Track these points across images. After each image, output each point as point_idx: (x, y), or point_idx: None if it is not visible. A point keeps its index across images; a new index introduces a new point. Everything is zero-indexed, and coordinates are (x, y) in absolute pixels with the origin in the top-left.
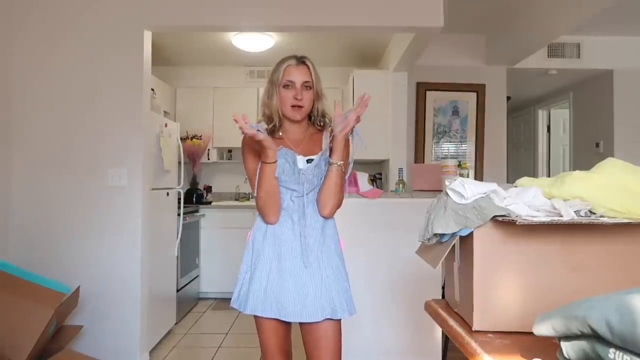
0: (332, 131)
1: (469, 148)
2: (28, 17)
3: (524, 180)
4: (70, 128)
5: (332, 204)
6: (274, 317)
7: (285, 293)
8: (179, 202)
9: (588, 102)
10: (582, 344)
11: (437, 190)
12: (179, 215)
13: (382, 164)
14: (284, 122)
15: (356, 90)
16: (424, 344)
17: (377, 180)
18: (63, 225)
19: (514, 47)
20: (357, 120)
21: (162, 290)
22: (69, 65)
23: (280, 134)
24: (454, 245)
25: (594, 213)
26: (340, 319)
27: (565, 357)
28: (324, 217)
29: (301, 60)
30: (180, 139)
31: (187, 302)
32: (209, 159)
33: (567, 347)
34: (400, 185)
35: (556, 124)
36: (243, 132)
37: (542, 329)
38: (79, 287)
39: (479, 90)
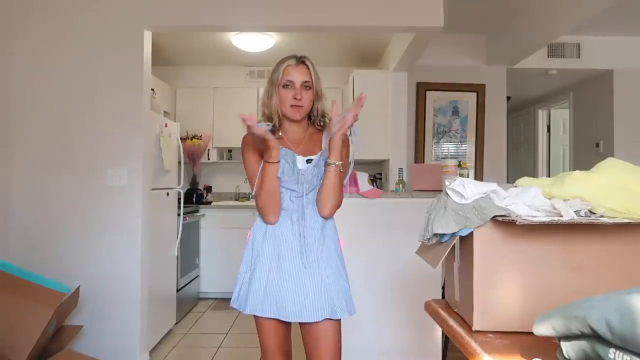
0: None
1: (469, 148)
2: (28, 17)
3: (524, 180)
4: (71, 128)
5: (332, 205)
6: (274, 317)
7: (285, 293)
8: (179, 202)
9: (588, 102)
10: (582, 344)
11: (437, 190)
12: (179, 215)
13: (382, 164)
14: (284, 122)
15: (356, 90)
16: (424, 344)
17: (377, 180)
18: (63, 225)
19: (514, 47)
20: (355, 119)
21: (162, 290)
22: (69, 65)
23: (280, 134)
24: (454, 245)
25: (594, 213)
26: (340, 319)
27: (565, 357)
28: (323, 217)
29: (301, 60)
30: (180, 139)
31: (187, 302)
32: (209, 159)
33: (567, 347)
34: (400, 185)
35: (556, 124)
36: (251, 131)
37: (542, 329)
38: (79, 287)
39: (479, 90)
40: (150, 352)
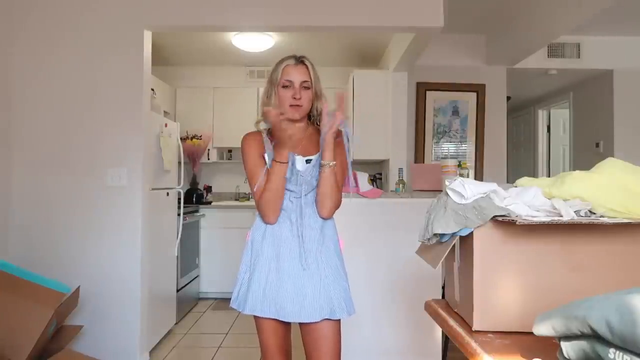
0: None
1: (469, 148)
2: (28, 17)
3: (524, 180)
4: (70, 128)
5: (330, 205)
6: (273, 317)
7: (284, 293)
8: (179, 202)
9: (588, 102)
10: (582, 344)
11: (437, 190)
12: (179, 215)
13: (382, 164)
14: (283, 122)
15: (356, 90)
16: (424, 344)
17: (377, 180)
18: (63, 225)
19: (514, 47)
20: (342, 116)
21: (162, 290)
22: (68, 65)
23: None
24: (454, 245)
25: (594, 213)
26: (340, 319)
27: (565, 357)
28: (323, 218)
29: (300, 60)
30: (180, 139)
31: (187, 302)
32: (209, 159)
33: (567, 347)
34: (400, 185)
35: (556, 124)
36: (282, 119)
37: (542, 329)
38: (79, 287)
39: (479, 90)
40: (150, 352)
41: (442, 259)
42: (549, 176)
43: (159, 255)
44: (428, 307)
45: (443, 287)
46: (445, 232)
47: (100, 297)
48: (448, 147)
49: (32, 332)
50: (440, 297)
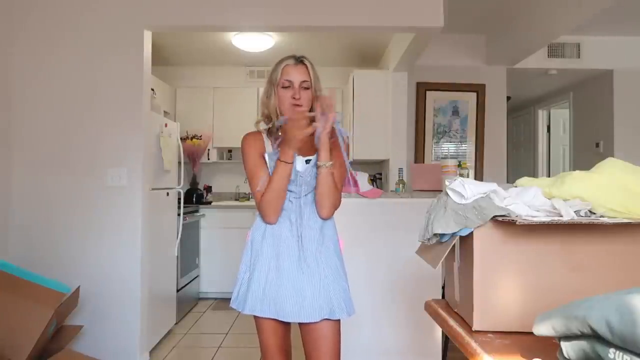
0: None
1: (469, 148)
2: (28, 17)
3: (524, 180)
4: (70, 128)
5: (328, 205)
6: (273, 317)
7: (284, 293)
8: (179, 202)
9: (588, 102)
10: (582, 344)
11: (437, 190)
12: (179, 215)
13: (382, 164)
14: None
15: (356, 90)
16: (424, 344)
17: (377, 180)
18: (63, 225)
19: (514, 47)
20: (334, 115)
21: (162, 290)
22: (68, 65)
23: (280, 134)
24: (454, 245)
25: (594, 213)
26: (339, 320)
27: (565, 357)
28: (322, 218)
29: (299, 60)
30: (180, 139)
31: (187, 302)
32: (209, 159)
33: (567, 347)
34: (400, 185)
35: (556, 124)
36: (301, 119)
37: (542, 329)
38: (79, 287)
39: (479, 90)
40: (150, 352)
41: (442, 259)
42: (549, 176)
43: (159, 255)
44: (428, 307)
45: (443, 287)
46: (445, 232)
47: (100, 297)
48: (448, 147)
49: (32, 332)
50: (440, 297)
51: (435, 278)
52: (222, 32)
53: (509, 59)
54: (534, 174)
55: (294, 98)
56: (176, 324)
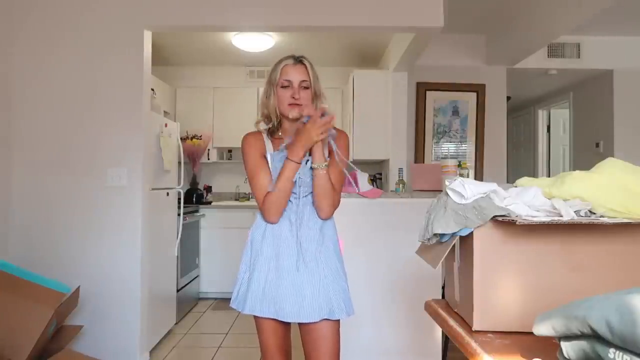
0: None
1: (469, 148)
2: (28, 17)
3: (524, 180)
4: (70, 128)
5: (327, 207)
6: (272, 317)
7: (283, 293)
8: (179, 202)
9: (588, 102)
10: (582, 344)
11: (437, 190)
12: (179, 215)
13: (382, 164)
14: (283, 122)
15: (356, 90)
16: (424, 344)
17: (377, 180)
18: (63, 226)
19: (514, 47)
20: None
21: (162, 290)
22: (68, 65)
23: (280, 134)
24: (454, 245)
25: (594, 213)
26: (339, 320)
27: (565, 357)
28: (321, 218)
29: (299, 60)
30: (180, 139)
31: (187, 302)
32: (209, 159)
33: (567, 347)
34: (400, 185)
35: (556, 124)
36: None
37: (542, 329)
38: (79, 287)
39: (479, 90)
40: (150, 352)
41: (442, 259)
42: (549, 176)
43: (159, 255)
44: (428, 307)
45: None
46: (445, 232)
47: (100, 297)
48: (448, 147)
49: (32, 332)
50: (440, 297)
51: (435, 278)
52: (222, 32)
53: (509, 59)
54: (534, 174)
55: (293, 98)
56: (176, 324)
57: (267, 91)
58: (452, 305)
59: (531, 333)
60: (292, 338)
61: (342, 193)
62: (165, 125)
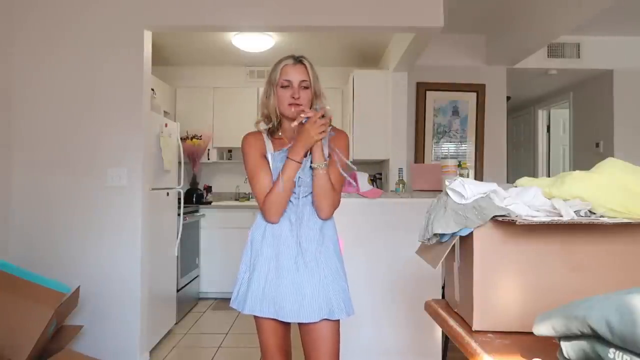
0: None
1: (469, 148)
2: (28, 17)
3: (524, 180)
4: (70, 128)
5: (327, 206)
6: (272, 317)
7: (283, 293)
8: (179, 202)
9: (588, 102)
10: (582, 344)
11: (437, 190)
12: (179, 215)
13: (382, 164)
14: (283, 122)
15: (356, 90)
16: (424, 344)
17: (377, 180)
18: (63, 226)
19: (514, 47)
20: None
21: (162, 290)
22: (68, 65)
23: (280, 134)
24: (454, 245)
25: (594, 213)
26: (339, 320)
27: (565, 357)
28: (321, 219)
29: (298, 60)
30: (180, 139)
31: (187, 302)
32: (209, 159)
33: (567, 347)
34: (400, 185)
35: (556, 124)
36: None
37: (542, 329)
38: (79, 287)
39: (479, 90)
40: (150, 352)
41: (442, 259)
42: (549, 176)
43: (159, 255)
44: (428, 307)
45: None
46: (445, 232)
47: (100, 297)
48: (448, 147)
49: (32, 332)
50: (440, 297)
51: (435, 278)
52: (222, 32)
53: (509, 59)
54: (534, 174)
55: (293, 97)
56: (176, 324)
57: (267, 91)
58: (452, 305)
59: (531, 333)
60: (292, 338)
61: (342, 193)
62: (165, 125)
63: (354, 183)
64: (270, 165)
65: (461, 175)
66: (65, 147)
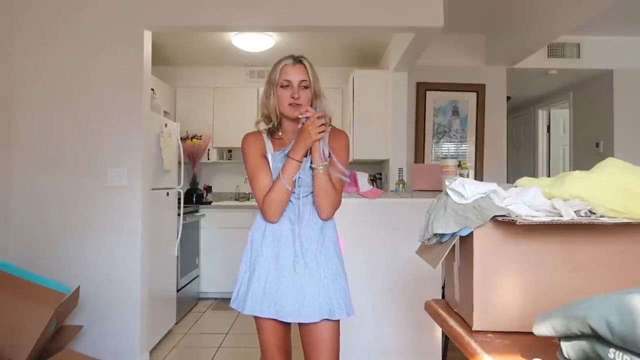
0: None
1: (469, 148)
2: (28, 17)
3: (524, 180)
4: (70, 128)
5: (327, 207)
6: (272, 317)
7: (283, 293)
8: (179, 202)
9: (588, 102)
10: (582, 344)
11: (437, 190)
12: (179, 215)
13: (382, 164)
14: (283, 122)
15: (356, 90)
16: (424, 344)
17: (377, 180)
18: (63, 226)
19: (514, 47)
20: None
21: (162, 290)
22: (68, 65)
23: (280, 134)
24: (454, 245)
25: (594, 213)
26: (339, 320)
27: (565, 357)
28: (322, 219)
29: (298, 60)
30: (180, 139)
31: (187, 302)
32: (209, 159)
33: (567, 347)
34: (400, 185)
35: (556, 124)
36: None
37: (542, 329)
38: (79, 287)
39: (479, 90)
40: (150, 352)
41: (442, 259)
42: (549, 176)
43: (159, 255)
44: (428, 307)
45: (443, 287)
46: (445, 232)
47: (100, 297)
48: (448, 147)
49: (32, 332)
50: (440, 297)
51: (435, 278)
52: (222, 32)
53: (509, 59)
54: (534, 174)
55: (292, 97)
56: (176, 324)
57: (267, 91)
58: (452, 305)
59: (531, 333)
60: (292, 338)
61: (342, 193)
62: (165, 125)
63: (348, 180)
64: (270, 165)
65: (461, 175)
66: (65, 147)
